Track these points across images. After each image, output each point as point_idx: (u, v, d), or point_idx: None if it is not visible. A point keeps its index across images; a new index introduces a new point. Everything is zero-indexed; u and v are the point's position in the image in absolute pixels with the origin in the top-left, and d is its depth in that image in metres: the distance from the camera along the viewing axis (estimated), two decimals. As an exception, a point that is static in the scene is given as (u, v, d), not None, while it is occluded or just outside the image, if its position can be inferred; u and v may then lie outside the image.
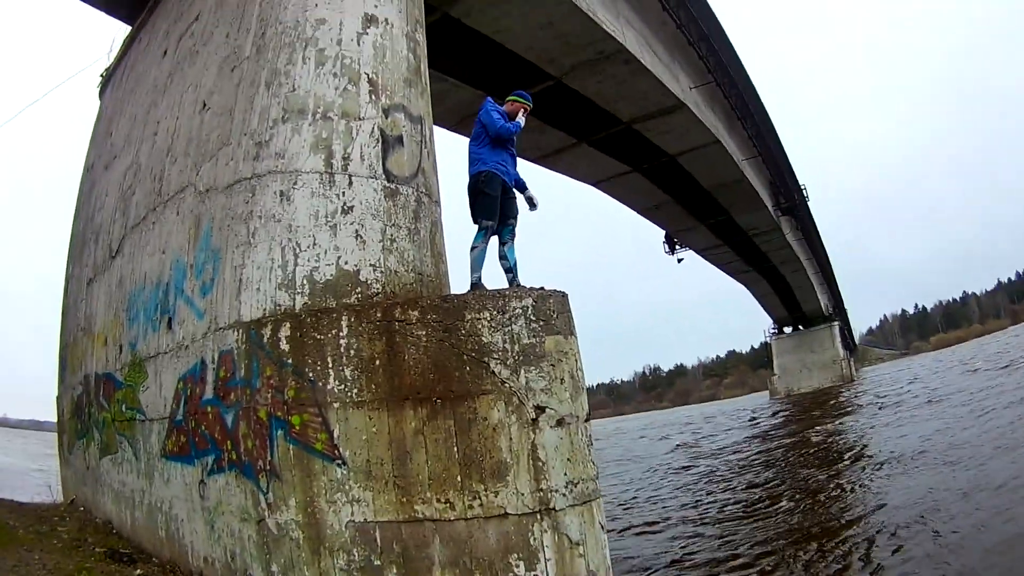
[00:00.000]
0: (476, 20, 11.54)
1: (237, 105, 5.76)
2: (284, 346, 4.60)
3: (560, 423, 4.22)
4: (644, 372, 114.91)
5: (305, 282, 4.89)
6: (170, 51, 7.38)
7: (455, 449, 4.15)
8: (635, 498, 13.81)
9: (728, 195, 23.56)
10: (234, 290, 5.15)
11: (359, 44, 5.53)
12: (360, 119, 5.38)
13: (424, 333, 4.34)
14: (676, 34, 15.86)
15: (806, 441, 18.25)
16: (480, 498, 4.07)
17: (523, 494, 4.06)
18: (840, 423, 20.97)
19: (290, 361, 4.54)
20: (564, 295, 4.57)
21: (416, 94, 5.83)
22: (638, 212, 24.69)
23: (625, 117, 16.30)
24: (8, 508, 7.64)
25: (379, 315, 4.47)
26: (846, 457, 13.84)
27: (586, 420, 4.43)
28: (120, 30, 9.81)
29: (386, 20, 5.72)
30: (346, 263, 4.96)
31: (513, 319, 4.31)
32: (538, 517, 4.04)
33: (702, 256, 31.93)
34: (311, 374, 4.45)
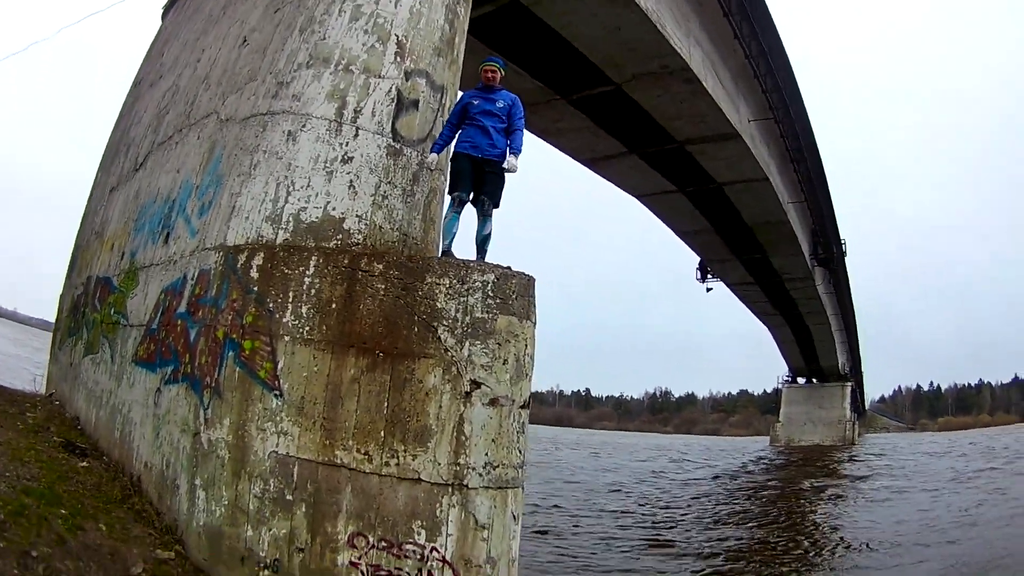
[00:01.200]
0: (545, 11, 11.49)
1: (271, 45, 5.95)
2: (254, 274, 4.75)
3: (493, 403, 4.27)
4: (655, 393, 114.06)
5: (291, 219, 5.03)
6: (229, -16, 7.64)
7: (385, 405, 4.23)
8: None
9: (768, 234, 23.14)
10: (226, 215, 5.32)
11: (396, 6, 5.63)
12: (380, 77, 5.50)
13: (383, 287, 4.45)
14: (744, 64, 15.64)
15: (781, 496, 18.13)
16: (398, 457, 4.14)
17: (439, 464, 4.12)
18: (825, 485, 20.63)
19: (256, 288, 4.69)
20: (530, 279, 4.63)
21: (444, 64, 5.92)
22: (676, 234, 24.35)
23: (680, 137, 16.11)
24: (-17, 390, 7.98)
25: (346, 261, 4.59)
26: (808, 526, 13.47)
27: (523, 407, 4.47)
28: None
29: (428, -12, 5.81)
30: (334, 209, 5.08)
31: (471, 291, 4.38)
32: (449, 490, 4.11)
33: (732, 290, 31.35)
34: (271, 304, 4.59)
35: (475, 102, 5.28)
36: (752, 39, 15.45)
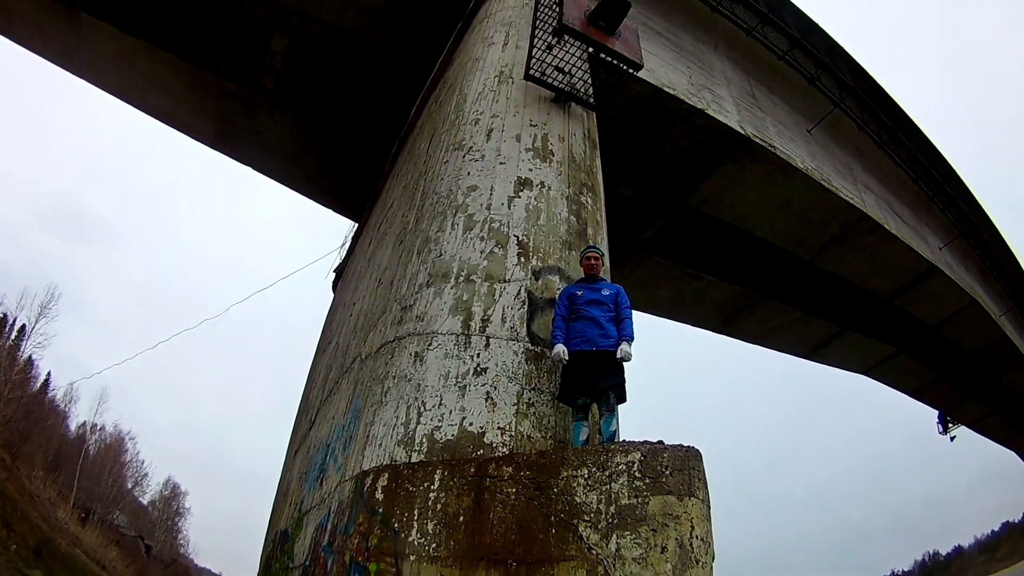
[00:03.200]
0: (715, 208, 11.52)
1: (396, 274, 6.11)
2: (379, 495, 4.36)
3: (652, 603, 3.34)
4: (923, 559, 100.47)
5: (424, 440, 4.66)
6: (373, 240, 8.29)
7: (521, 625, 3.44)
8: None
9: (991, 357, 20.17)
10: (361, 446, 5.10)
11: (510, 207, 5.63)
12: (505, 281, 5.34)
13: (514, 490, 3.89)
14: (916, 191, 14.78)
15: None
16: None
17: None
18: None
19: (381, 510, 4.27)
20: (689, 450, 3.87)
21: (578, 257, 5.71)
22: (908, 395, 22.11)
23: (884, 292, 14.96)
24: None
25: (472, 470, 4.13)
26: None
27: (698, 603, 3.45)
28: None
29: (542, 183, 5.80)
30: (471, 424, 4.67)
31: (614, 476, 3.71)
32: None
33: (971, 429, 27.36)
34: (396, 524, 4.12)
35: (579, 293, 5.01)
36: (914, 162, 14.77)
